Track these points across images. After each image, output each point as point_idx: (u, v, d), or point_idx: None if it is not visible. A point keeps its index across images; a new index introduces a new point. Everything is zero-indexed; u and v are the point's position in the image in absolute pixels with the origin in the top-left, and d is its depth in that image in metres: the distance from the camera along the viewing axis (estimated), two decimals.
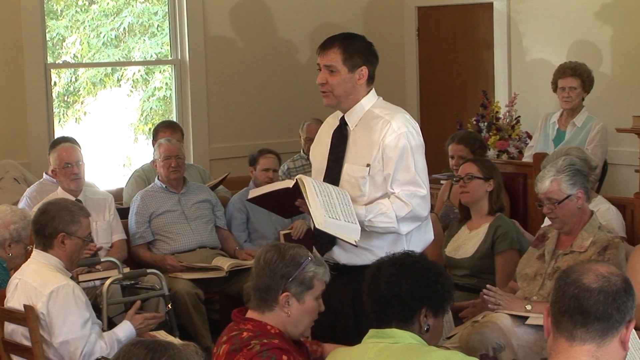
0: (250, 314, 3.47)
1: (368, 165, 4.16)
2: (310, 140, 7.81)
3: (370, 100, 4.27)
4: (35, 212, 4.64)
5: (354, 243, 3.97)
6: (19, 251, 5.05)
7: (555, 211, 4.74)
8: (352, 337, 3.85)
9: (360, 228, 4.00)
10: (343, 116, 4.29)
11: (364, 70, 4.21)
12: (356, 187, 4.17)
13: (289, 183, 4.08)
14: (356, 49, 4.21)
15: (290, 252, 3.46)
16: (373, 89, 4.30)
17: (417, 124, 4.28)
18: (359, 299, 3.99)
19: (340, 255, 4.23)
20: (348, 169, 4.21)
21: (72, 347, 4.28)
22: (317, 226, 3.93)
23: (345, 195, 4.07)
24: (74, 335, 4.27)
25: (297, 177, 4.05)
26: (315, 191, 3.94)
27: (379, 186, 4.16)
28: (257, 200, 4.32)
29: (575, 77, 6.78)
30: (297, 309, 3.43)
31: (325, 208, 3.92)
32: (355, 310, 4.13)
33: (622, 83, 7.36)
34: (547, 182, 4.77)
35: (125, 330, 4.51)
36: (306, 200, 3.94)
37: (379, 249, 4.14)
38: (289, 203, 4.08)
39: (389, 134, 4.13)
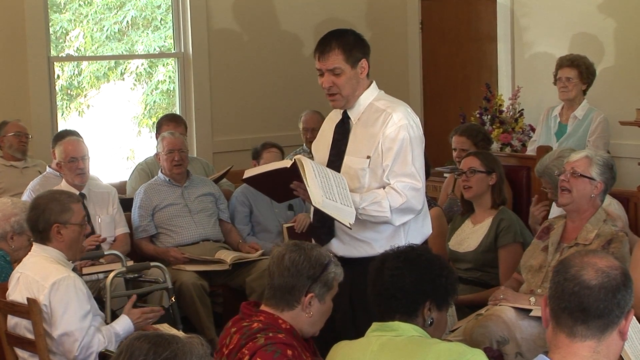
0: (264, 307, 3.48)
1: (368, 157, 4.17)
2: (307, 130, 7.86)
3: (372, 94, 4.28)
4: (27, 210, 4.64)
5: (349, 225, 3.97)
6: (22, 243, 5.05)
7: (571, 181, 4.75)
8: (350, 329, 3.86)
9: (355, 211, 4.01)
10: (345, 110, 4.30)
11: (364, 63, 4.23)
12: (355, 179, 4.18)
13: (286, 163, 4.06)
14: (353, 44, 4.23)
15: (314, 252, 3.47)
16: (374, 82, 4.32)
17: (418, 118, 4.29)
18: (356, 291, 4.01)
19: (338, 247, 4.24)
20: (348, 161, 4.22)
21: (70, 339, 4.27)
22: (314, 204, 3.93)
23: (342, 179, 4.08)
24: (73, 328, 4.27)
25: (295, 157, 4.04)
26: (313, 172, 3.95)
27: (379, 178, 4.16)
28: (252, 181, 4.29)
29: (572, 67, 6.77)
30: (318, 309, 3.46)
31: (322, 189, 3.92)
32: (353, 302, 4.15)
33: (626, 76, 7.35)
34: (581, 155, 4.82)
35: (123, 324, 4.50)
36: (304, 180, 3.93)
37: (377, 242, 4.16)
38: (285, 185, 4.07)
39: (389, 126, 4.14)
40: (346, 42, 4.21)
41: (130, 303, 4.68)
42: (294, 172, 3.97)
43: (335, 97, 4.24)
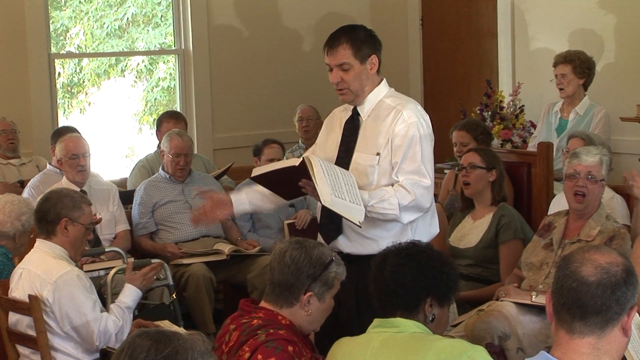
0: (264, 304, 3.48)
1: (378, 154, 4.15)
2: (303, 119, 7.88)
3: (382, 91, 4.25)
4: (38, 201, 4.67)
5: (358, 224, 3.96)
6: (26, 239, 5.13)
7: (589, 187, 4.75)
8: (355, 326, 3.85)
9: (364, 210, 4.00)
10: (355, 107, 4.28)
11: (374, 59, 4.20)
12: (364, 176, 4.16)
13: (295, 161, 4.04)
14: (363, 40, 4.19)
15: (316, 251, 3.46)
16: (385, 79, 4.28)
17: (428, 116, 4.26)
18: (361, 288, 4.00)
19: (344, 244, 4.22)
20: (358, 157, 4.20)
21: (88, 329, 4.34)
22: (323, 203, 3.91)
23: (350, 176, 4.06)
24: (88, 318, 4.33)
25: (303, 155, 4.03)
26: (322, 170, 3.93)
27: (388, 175, 4.15)
28: (260, 179, 4.29)
29: (565, 63, 6.78)
30: (317, 308, 3.46)
31: (332, 187, 3.91)
32: (358, 299, 4.13)
33: (626, 72, 7.34)
34: (596, 158, 4.80)
35: (130, 294, 4.58)
36: (313, 179, 3.91)
37: (384, 240, 4.12)
38: (292, 184, 4.05)
39: (399, 123, 4.12)
40: (355, 38, 4.17)
41: (128, 270, 4.75)
42: (302, 171, 3.96)
43: (344, 92, 4.21)
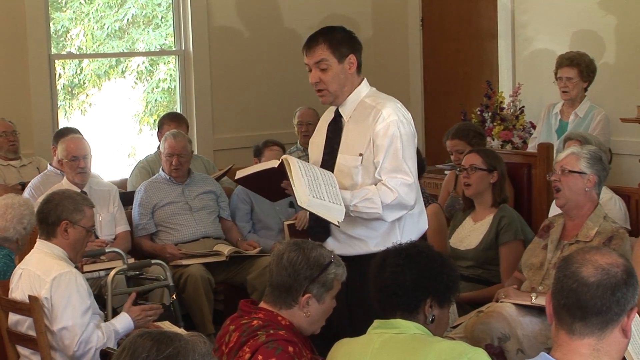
0: (263, 305, 3.48)
1: (361, 154, 4.17)
2: (302, 124, 7.89)
3: (362, 91, 4.29)
4: (41, 202, 4.68)
5: (337, 224, 3.97)
6: (27, 239, 5.15)
7: (562, 180, 4.75)
8: (346, 327, 3.86)
9: (344, 209, 4.01)
10: (337, 108, 4.30)
11: (352, 59, 4.23)
12: (348, 177, 4.18)
13: (274, 163, 4.07)
14: (340, 40, 4.24)
15: (314, 253, 3.46)
16: (365, 79, 4.32)
17: (409, 113, 4.28)
18: (352, 289, 4.00)
19: (333, 245, 4.21)
20: (341, 159, 4.22)
21: (70, 333, 4.30)
22: (299, 204, 3.93)
23: (331, 177, 4.08)
24: (73, 322, 4.30)
25: (282, 156, 4.05)
26: (300, 171, 3.95)
27: (372, 175, 4.16)
28: (244, 181, 4.30)
29: (572, 67, 6.75)
30: (316, 309, 3.46)
31: (310, 188, 3.92)
32: (349, 300, 4.13)
33: (626, 73, 7.34)
34: (567, 153, 4.85)
35: (123, 322, 4.52)
36: (290, 180, 3.94)
37: (372, 240, 4.16)
38: (276, 185, 4.08)
39: (379, 122, 4.14)
40: (333, 37, 4.23)
41: (130, 300, 4.71)
42: (283, 172, 3.98)
43: (323, 93, 4.26)
